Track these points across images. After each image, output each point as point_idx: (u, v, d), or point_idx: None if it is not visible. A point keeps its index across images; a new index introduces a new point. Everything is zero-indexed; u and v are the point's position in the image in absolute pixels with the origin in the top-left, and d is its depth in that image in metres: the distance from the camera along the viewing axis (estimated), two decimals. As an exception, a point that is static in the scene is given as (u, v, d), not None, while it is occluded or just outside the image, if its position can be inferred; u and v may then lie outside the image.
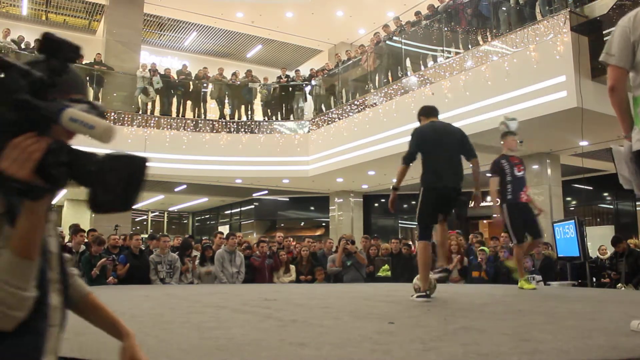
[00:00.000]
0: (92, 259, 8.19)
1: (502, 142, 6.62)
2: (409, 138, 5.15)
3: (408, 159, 4.96)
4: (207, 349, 2.44)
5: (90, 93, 14.30)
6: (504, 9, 10.52)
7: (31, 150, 0.99)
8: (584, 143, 10.42)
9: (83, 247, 8.44)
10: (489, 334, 2.69)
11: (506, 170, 6.32)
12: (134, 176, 1.04)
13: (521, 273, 6.33)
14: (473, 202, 5.43)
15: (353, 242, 9.71)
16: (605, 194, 15.62)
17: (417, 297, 4.74)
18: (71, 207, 20.48)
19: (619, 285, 8.69)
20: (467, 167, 5.11)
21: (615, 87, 2.68)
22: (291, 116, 15.48)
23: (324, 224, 19.35)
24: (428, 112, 5.27)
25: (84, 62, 14.34)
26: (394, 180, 5.08)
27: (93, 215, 13.94)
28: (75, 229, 8.96)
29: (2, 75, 1.01)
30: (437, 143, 4.92)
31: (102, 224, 12.53)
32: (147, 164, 1.05)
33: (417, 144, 4.94)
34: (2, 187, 1.00)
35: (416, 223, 5.02)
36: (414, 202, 5.36)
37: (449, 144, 4.96)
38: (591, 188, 15.29)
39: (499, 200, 6.26)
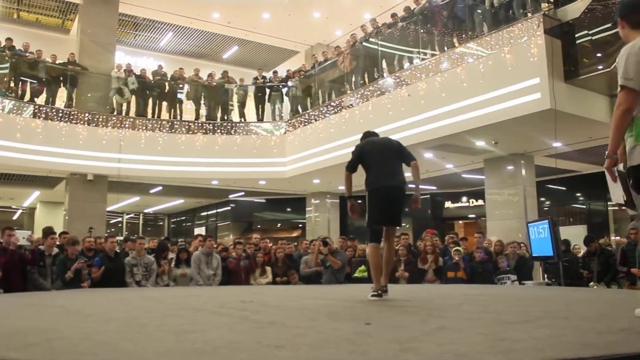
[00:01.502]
0: (68, 262, 8.05)
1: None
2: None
3: (350, 166, 5.52)
4: (184, 352, 2.41)
5: (64, 94, 14.10)
6: (479, 11, 10.63)
7: None
8: (557, 144, 10.58)
9: (56, 249, 8.27)
10: (465, 334, 2.70)
11: None
12: None
13: None
14: (412, 204, 5.34)
15: (326, 244, 9.59)
16: (578, 194, 15.88)
17: (371, 296, 5.04)
18: (44, 209, 20.14)
19: (592, 283, 8.83)
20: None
21: (630, 109, 2.86)
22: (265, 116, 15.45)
23: (300, 225, 19.32)
24: (368, 134, 5.86)
25: (57, 62, 14.13)
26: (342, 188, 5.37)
27: (67, 217, 13.74)
28: (47, 232, 8.77)
29: None
30: (375, 152, 5.44)
31: (76, 226, 12.35)
32: None
33: (358, 155, 5.49)
34: None
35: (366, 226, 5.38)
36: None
37: (386, 152, 5.44)
38: (564, 188, 15.54)
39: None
